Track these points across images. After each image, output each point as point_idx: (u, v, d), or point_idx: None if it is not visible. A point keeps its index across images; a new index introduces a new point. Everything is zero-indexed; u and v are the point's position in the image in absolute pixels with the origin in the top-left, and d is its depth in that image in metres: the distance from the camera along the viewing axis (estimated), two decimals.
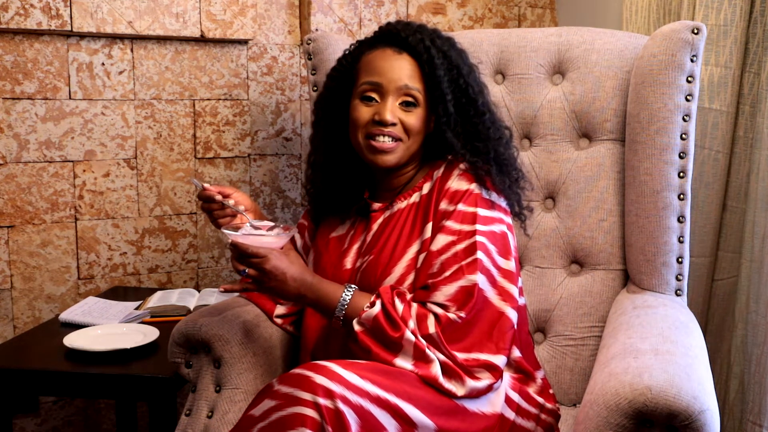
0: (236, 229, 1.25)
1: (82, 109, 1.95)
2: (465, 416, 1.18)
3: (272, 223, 1.29)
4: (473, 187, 1.29)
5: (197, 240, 2.12)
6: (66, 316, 1.74)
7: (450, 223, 1.26)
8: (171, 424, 1.45)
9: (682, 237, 1.50)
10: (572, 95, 1.64)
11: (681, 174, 1.49)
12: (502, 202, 1.32)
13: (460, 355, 1.18)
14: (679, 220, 1.50)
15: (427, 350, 1.18)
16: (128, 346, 1.53)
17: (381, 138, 1.30)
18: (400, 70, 1.31)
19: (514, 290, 1.26)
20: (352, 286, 1.26)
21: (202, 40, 2.04)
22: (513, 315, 1.24)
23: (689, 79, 1.48)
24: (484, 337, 1.21)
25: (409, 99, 1.31)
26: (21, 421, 1.97)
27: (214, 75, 2.08)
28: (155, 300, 1.80)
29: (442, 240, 1.25)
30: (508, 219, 1.32)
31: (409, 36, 1.32)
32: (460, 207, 1.26)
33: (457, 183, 1.29)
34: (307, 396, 1.05)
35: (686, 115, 1.48)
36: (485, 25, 2.40)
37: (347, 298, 1.24)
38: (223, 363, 1.36)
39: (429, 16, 2.32)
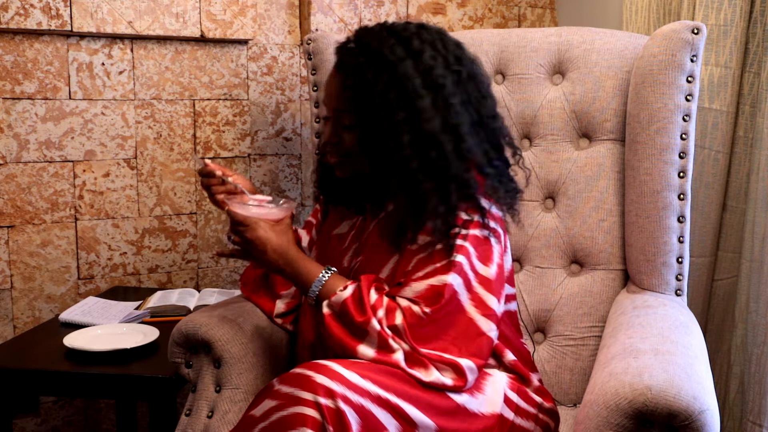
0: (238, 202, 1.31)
1: (82, 109, 1.95)
2: (465, 416, 1.18)
3: (270, 198, 1.33)
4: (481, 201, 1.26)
5: (197, 240, 2.12)
6: (66, 316, 1.74)
7: (432, 224, 1.24)
8: (171, 424, 1.45)
9: (682, 237, 1.50)
10: (572, 95, 1.64)
11: (681, 174, 1.49)
12: (495, 210, 1.29)
13: (424, 350, 1.18)
14: (679, 220, 1.50)
15: (391, 340, 1.17)
16: (128, 346, 1.53)
17: (329, 154, 1.33)
18: (331, 89, 1.30)
19: (489, 298, 1.23)
20: (332, 269, 1.27)
21: (202, 40, 2.04)
22: (483, 323, 1.21)
23: (689, 79, 1.48)
24: (450, 339, 1.19)
25: (342, 119, 1.29)
26: (21, 421, 1.97)
27: (214, 75, 2.08)
28: (155, 300, 1.80)
29: (420, 240, 1.24)
30: (498, 226, 1.29)
31: (343, 55, 1.28)
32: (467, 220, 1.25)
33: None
34: (308, 396, 1.05)
35: (686, 115, 1.48)
36: (485, 25, 2.40)
37: (323, 279, 1.25)
38: (223, 363, 1.36)
39: (429, 16, 2.32)
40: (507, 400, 1.26)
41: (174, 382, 1.45)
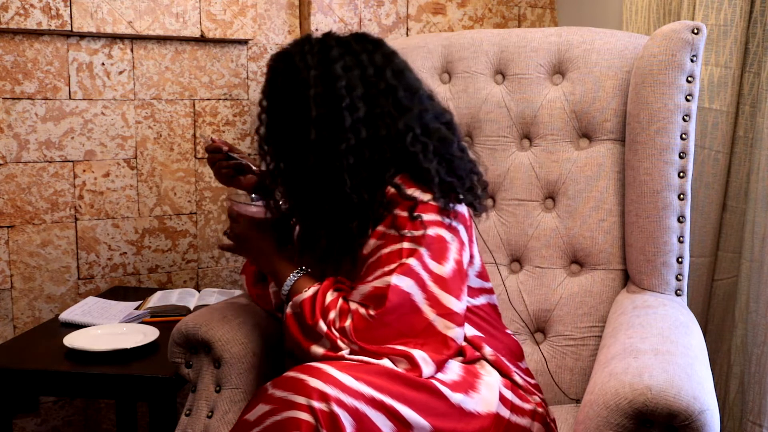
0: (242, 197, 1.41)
1: (82, 109, 1.95)
2: (461, 416, 1.18)
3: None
4: (416, 193, 1.24)
5: (197, 240, 2.12)
6: (66, 316, 1.74)
7: (381, 228, 1.24)
8: (171, 424, 1.45)
9: (682, 237, 1.50)
10: (572, 95, 1.64)
11: (681, 174, 1.49)
12: (459, 207, 1.28)
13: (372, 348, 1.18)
14: (679, 220, 1.50)
15: (339, 341, 1.18)
16: (128, 346, 1.53)
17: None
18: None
19: (446, 297, 1.21)
20: (303, 269, 1.29)
21: (202, 40, 2.05)
22: (440, 322, 1.20)
23: (689, 79, 1.48)
24: (404, 341, 1.19)
25: (259, 129, 1.35)
26: (21, 421, 1.97)
27: (214, 75, 2.08)
28: (155, 300, 1.80)
29: (372, 244, 1.24)
30: (456, 222, 1.26)
31: (270, 61, 1.33)
32: (396, 211, 1.24)
33: (401, 190, 1.26)
34: (301, 400, 1.05)
35: (686, 115, 1.48)
36: (485, 25, 2.40)
37: (292, 280, 1.28)
38: (223, 363, 1.36)
39: (429, 16, 2.32)
40: (503, 399, 1.25)
41: (174, 382, 1.45)
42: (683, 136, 1.49)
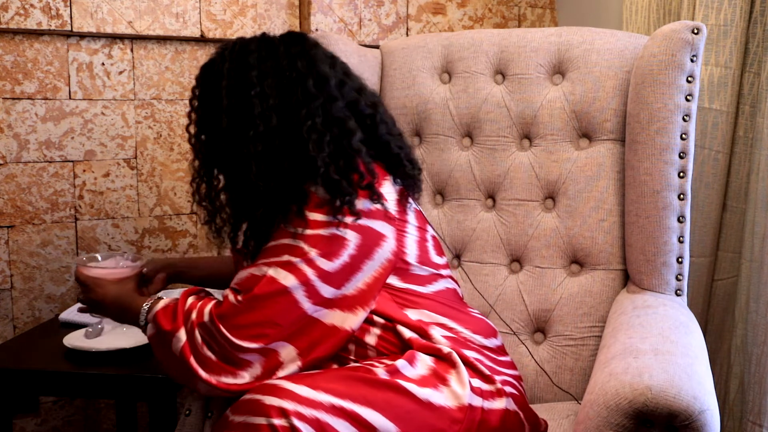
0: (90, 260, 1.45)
1: (82, 109, 1.95)
2: (430, 411, 1.15)
3: (122, 256, 1.46)
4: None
5: (197, 240, 2.12)
6: (66, 316, 1.74)
7: (275, 231, 1.25)
8: (171, 424, 1.45)
9: (682, 237, 1.50)
10: (572, 95, 1.64)
11: (681, 174, 1.49)
12: (362, 204, 1.24)
13: (235, 340, 1.17)
14: (679, 220, 1.50)
15: (203, 350, 1.19)
16: (128, 346, 1.53)
17: None
18: None
19: (326, 288, 1.20)
20: (160, 296, 1.30)
21: (202, 40, 2.04)
22: (320, 312, 1.20)
23: (689, 79, 1.48)
24: (272, 327, 1.18)
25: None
26: (21, 421, 1.97)
27: None
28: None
29: (265, 249, 1.25)
30: (366, 220, 1.24)
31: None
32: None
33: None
34: (261, 420, 1.05)
35: (686, 115, 1.48)
36: (485, 25, 2.40)
37: (146, 306, 1.27)
38: None
39: (429, 16, 2.32)
40: (473, 389, 1.22)
41: (174, 382, 1.45)
42: (683, 136, 1.49)
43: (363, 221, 1.24)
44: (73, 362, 1.50)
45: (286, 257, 1.20)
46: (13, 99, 1.88)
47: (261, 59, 1.27)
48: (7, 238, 1.90)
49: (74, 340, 1.55)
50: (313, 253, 1.20)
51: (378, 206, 1.26)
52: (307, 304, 1.20)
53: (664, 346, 1.18)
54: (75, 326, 1.68)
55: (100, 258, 1.46)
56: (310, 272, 1.19)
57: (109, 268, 1.41)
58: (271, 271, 1.19)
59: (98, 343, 1.54)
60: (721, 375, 1.88)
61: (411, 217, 1.34)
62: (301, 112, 1.25)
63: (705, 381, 1.10)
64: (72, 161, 1.96)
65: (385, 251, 1.27)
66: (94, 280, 1.36)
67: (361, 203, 1.24)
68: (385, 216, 1.27)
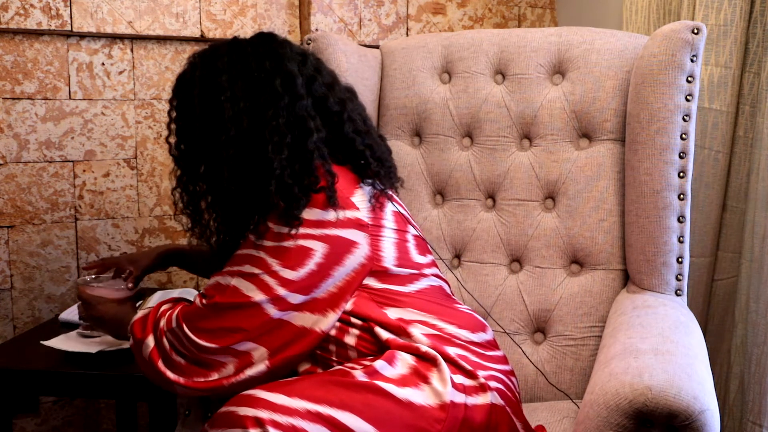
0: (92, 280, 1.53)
1: (82, 109, 1.95)
2: (410, 411, 1.14)
3: (122, 280, 1.52)
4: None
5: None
6: (66, 316, 1.74)
7: (244, 239, 1.25)
8: (171, 424, 1.45)
9: (682, 237, 1.51)
10: (572, 95, 1.64)
11: (681, 174, 1.49)
12: (327, 215, 1.21)
13: (203, 342, 1.19)
14: (679, 220, 1.50)
15: (172, 355, 1.21)
16: (128, 346, 1.52)
17: None
18: None
19: (295, 298, 1.19)
20: (145, 309, 1.31)
21: (202, 40, 2.04)
22: (288, 315, 1.20)
23: (689, 79, 1.48)
24: (240, 333, 1.19)
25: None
26: (21, 421, 1.97)
27: None
28: (155, 300, 1.79)
29: (234, 256, 1.25)
30: (330, 230, 1.21)
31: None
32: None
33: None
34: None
35: (686, 115, 1.48)
36: (485, 25, 2.40)
37: (133, 319, 1.29)
38: None
39: (429, 16, 2.32)
40: (455, 385, 1.19)
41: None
42: (683, 136, 1.49)
43: (330, 231, 1.21)
44: (73, 362, 1.50)
45: (248, 268, 1.20)
46: (13, 99, 1.88)
47: (231, 63, 1.26)
48: (7, 238, 1.90)
49: (60, 343, 1.54)
50: (275, 265, 1.19)
51: (347, 215, 1.23)
52: (273, 311, 1.19)
53: (664, 346, 1.18)
54: (75, 326, 1.68)
55: (101, 277, 1.56)
56: (273, 282, 1.19)
57: (110, 288, 1.48)
58: (235, 281, 1.20)
59: (98, 343, 1.54)
60: (721, 375, 1.88)
61: (388, 221, 1.30)
62: (268, 112, 1.23)
63: (705, 381, 1.10)
64: (72, 161, 1.96)
65: (357, 257, 1.24)
66: (97, 298, 1.41)
67: (320, 213, 1.21)
68: (357, 224, 1.24)
